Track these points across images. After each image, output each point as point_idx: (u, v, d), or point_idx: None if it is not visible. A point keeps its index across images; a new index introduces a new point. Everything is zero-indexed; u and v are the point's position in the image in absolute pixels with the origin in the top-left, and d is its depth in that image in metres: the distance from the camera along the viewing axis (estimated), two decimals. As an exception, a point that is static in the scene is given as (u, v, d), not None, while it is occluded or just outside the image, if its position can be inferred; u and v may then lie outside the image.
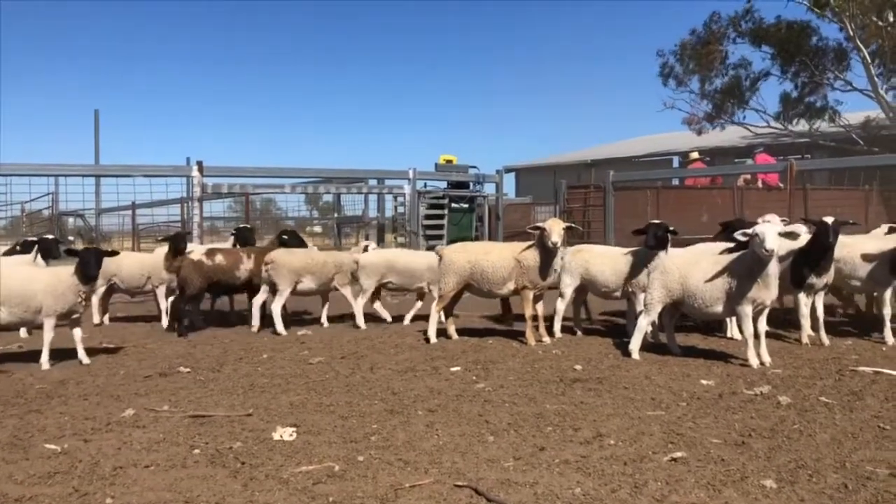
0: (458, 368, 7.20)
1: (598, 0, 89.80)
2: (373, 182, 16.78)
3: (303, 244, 9.90)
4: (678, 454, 4.59)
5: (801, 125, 27.83)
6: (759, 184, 19.43)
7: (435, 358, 7.74)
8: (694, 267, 7.32)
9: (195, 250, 10.11)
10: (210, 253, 9.91)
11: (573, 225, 8.62)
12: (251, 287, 9.96)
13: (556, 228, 8.00)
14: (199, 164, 14.00)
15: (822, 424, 5.19)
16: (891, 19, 23.39)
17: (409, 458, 4.64)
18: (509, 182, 38.49)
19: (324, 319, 10.22)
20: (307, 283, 9.77)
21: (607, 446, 4.81)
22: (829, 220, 7.76)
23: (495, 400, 6.01)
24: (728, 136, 30.43)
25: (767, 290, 6.90)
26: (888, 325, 8.12)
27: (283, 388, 6.53)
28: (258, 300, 9.73)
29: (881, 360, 7.17)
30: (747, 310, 6.95)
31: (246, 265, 9.78)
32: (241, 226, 12.12)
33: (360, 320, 9.82)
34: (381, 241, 16.66)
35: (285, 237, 9.92)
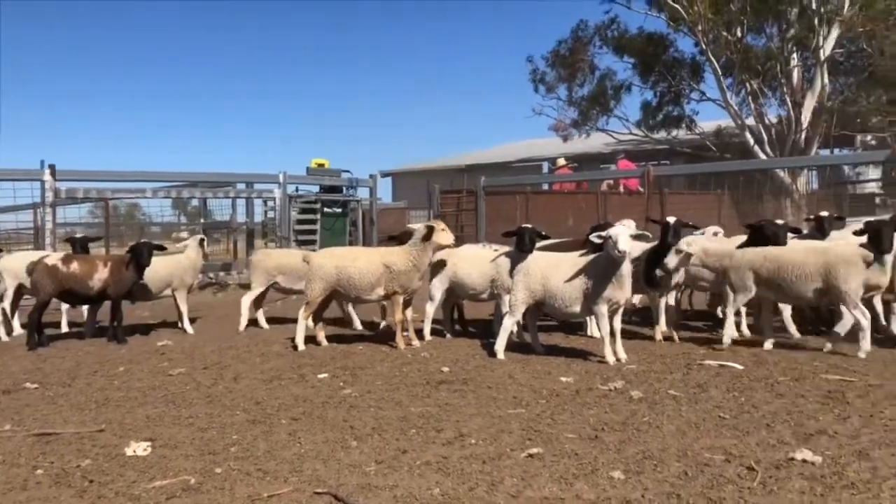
0: (325, 375, 7.14)
1: (479, 3, 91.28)
2: (241, 186, 16.36)
3: (142, 259, 9.29)
4: (535, 450, 4.74)
5: (661, 133, 29.34)
6: (621, 188, 20.39)
7: (302, 365, 7.64)
8: (555, 269, 7.59)
9: (51, 256, 9.56)
10: (66, 259, 9.36)
11: None
12: (105, 297, 9.47)
13: (447, 231, 8.14)
14: (52, 167, 13.23)
15: (669, 416, 5.49)
16: (739, 34, 25.06)
17: (269, 467, 4.57)
18: (386, 187, 38.58)
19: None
20: (283, 282, 10.41)
21: (468, 446, 4.91)
22: (672, 220, 8.26)
23: (361, 405, 6.00)
24: (594, 142, 31.69)
25: (621, 290, 7.25)
26: (731, 321, 8.67)
27: (140, 402, 6.27)
28: (245, 299, 10.43)
29: (726, 354, 7.65)
30: (603, 309, 7.27)
31: (100, 274, 9.28)
32: (76, 235, 11.47)
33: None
34: (250, 247, 16.27)
35: (134, 251, 9.35)
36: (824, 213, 9.66)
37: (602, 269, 7.27)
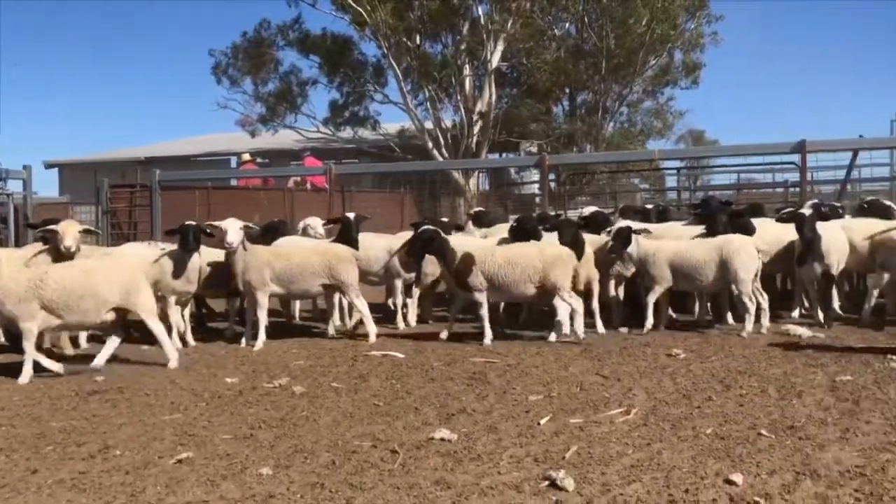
0: (-51, 393, 6.25)
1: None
2: None
3: None
4: (185, 455, 4.59)
5: (348, 132, 30.06)
6: (309, 186, 20.55)
7: (-79, 385, 6.61)
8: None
9: None
10: None
11: (90, 228, 8.14)
12: None
13: (70, 231, 7.46)
14: None
15: (327, 408, 5.64)
16: (418, 41, 26.54)
17: None
18: (51, 179, 34.82)
19: None
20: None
21: (112, 458, 4.61)
22: (351, 215, 8.67)
23: (-11, 425, 5.35)
24: (283, 138, 31.49)
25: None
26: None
27: None
28: None
29: (391, 344, 8.04)
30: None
31: None
32: None
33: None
34: None
35: None
36: (479, 210, 10.64)
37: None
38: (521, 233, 8.75)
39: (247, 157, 21.47)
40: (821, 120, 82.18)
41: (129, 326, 8.84)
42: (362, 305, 8.28)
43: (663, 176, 27.95)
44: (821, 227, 8.31)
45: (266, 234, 9.64)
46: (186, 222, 7.91)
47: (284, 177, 20.91)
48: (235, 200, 18.35)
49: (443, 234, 8.12)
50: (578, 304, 7.81)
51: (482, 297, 7.86)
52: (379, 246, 9.21)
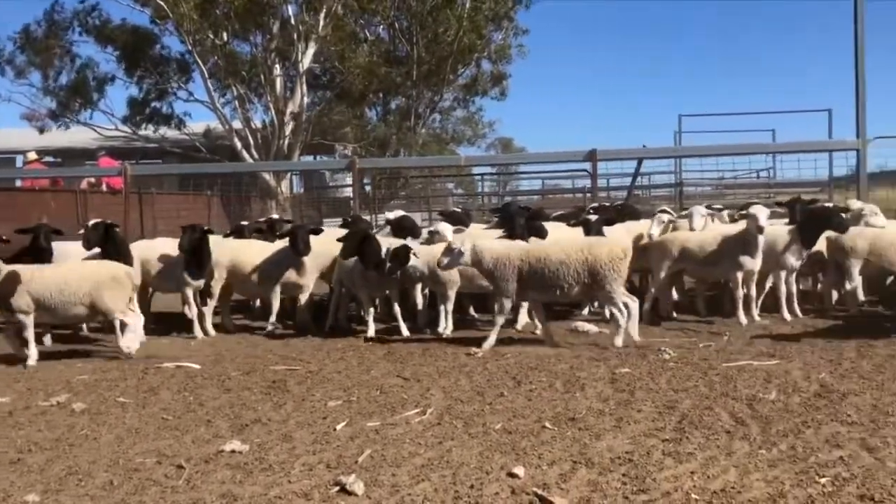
0: None
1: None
2: None
3: None
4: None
5: (149, 130, 28.46)
6: (104, 187, 19.25)
7: None
8: None
9: None
10: None
11: None
12: None
13: None
14: None
15: (110, 426, 5.30)
16: (225, 38, 25.62)
17: None
18: None
19: None
20: None
21: None
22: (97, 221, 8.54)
23: None
24: (79, 136, 29.27)
25: None
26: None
27: None
28: None
29: (186, 355, 7.68)
30: None
31: None
32: None
33: None
34: None
35: None
36: (275, 216, 10.54)
37: None
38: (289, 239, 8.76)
39: (32, 155, 19.72)
40: (627, 130, 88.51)
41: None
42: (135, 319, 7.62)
43: (475, 181, 28.90)
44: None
45: None
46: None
47: (77, 178, 19.46)
48: (19, 203, 16.81)
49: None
50: (136, 321, 7.61)
51: (28, 320, 7.32)
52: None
